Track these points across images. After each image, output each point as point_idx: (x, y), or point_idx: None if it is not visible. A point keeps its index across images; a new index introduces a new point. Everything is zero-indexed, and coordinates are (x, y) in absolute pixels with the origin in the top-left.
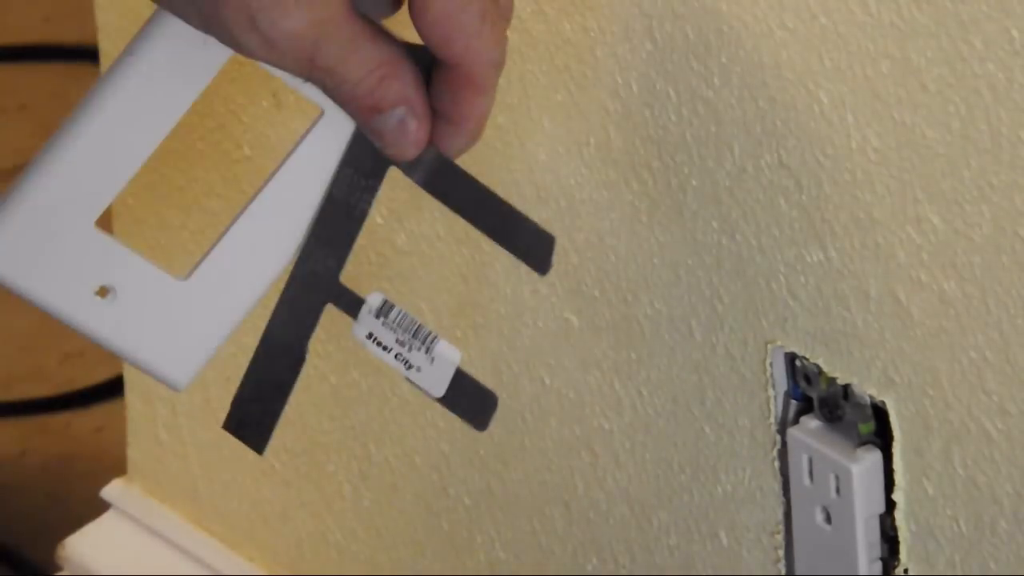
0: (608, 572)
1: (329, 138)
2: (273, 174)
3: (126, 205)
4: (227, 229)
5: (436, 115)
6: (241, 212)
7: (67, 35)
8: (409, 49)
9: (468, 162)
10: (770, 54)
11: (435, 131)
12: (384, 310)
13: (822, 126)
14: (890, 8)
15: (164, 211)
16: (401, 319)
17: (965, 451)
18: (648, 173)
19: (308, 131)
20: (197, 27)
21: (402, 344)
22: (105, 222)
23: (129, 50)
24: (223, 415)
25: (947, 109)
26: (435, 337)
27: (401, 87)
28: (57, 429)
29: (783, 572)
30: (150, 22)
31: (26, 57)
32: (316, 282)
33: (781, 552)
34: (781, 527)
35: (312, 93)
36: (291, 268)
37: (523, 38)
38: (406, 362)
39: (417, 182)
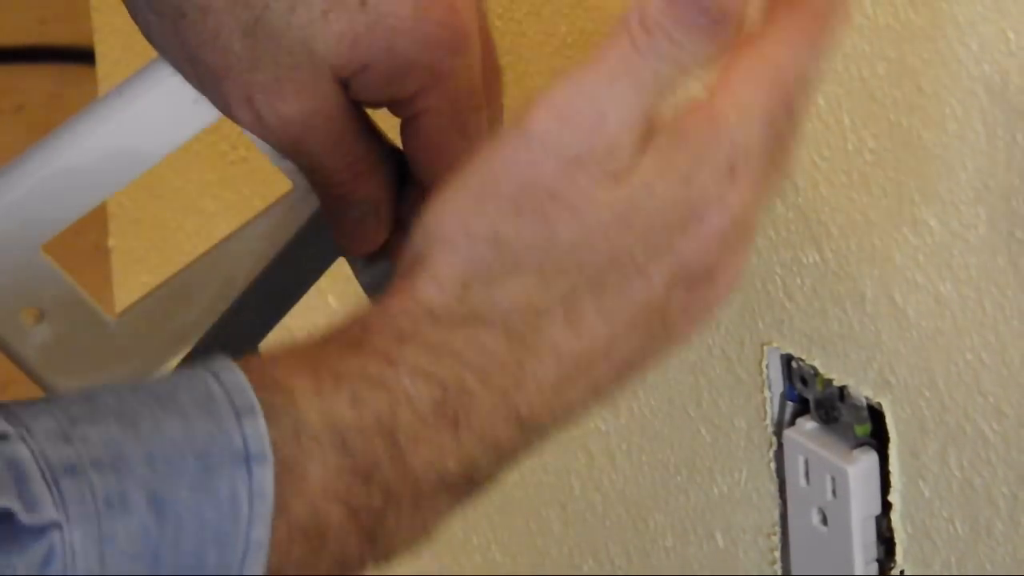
0: (604, 574)
1: (292, 213)
2: (231, 235)
3: (122, 206)
4: (169, 278)
5: (400, 224)
6: (188, 265)
7: (63, 36)
8: (392, 152)
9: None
10: None
11: (395, 240)
12: None
13: (819, 127)
14: (886, 10)
15: (160, 212)
16: None
17: (961, 453)
18: None
19: (275, 202)
20: (194, 86)
21: None
22: (100, 223)
23: (119, 91)
24: None
25: (943, 111)
26: None
27: (372, 187)
28: None
29: (779, 574)
30: (148, 67)
31: (22, 58)
32: (236, 344)
33: (777, 554)
34: (777, 528)
35: (287, 168)
36: (218, 320)
37: (519, 40)
38: None
39: (361, 282)
